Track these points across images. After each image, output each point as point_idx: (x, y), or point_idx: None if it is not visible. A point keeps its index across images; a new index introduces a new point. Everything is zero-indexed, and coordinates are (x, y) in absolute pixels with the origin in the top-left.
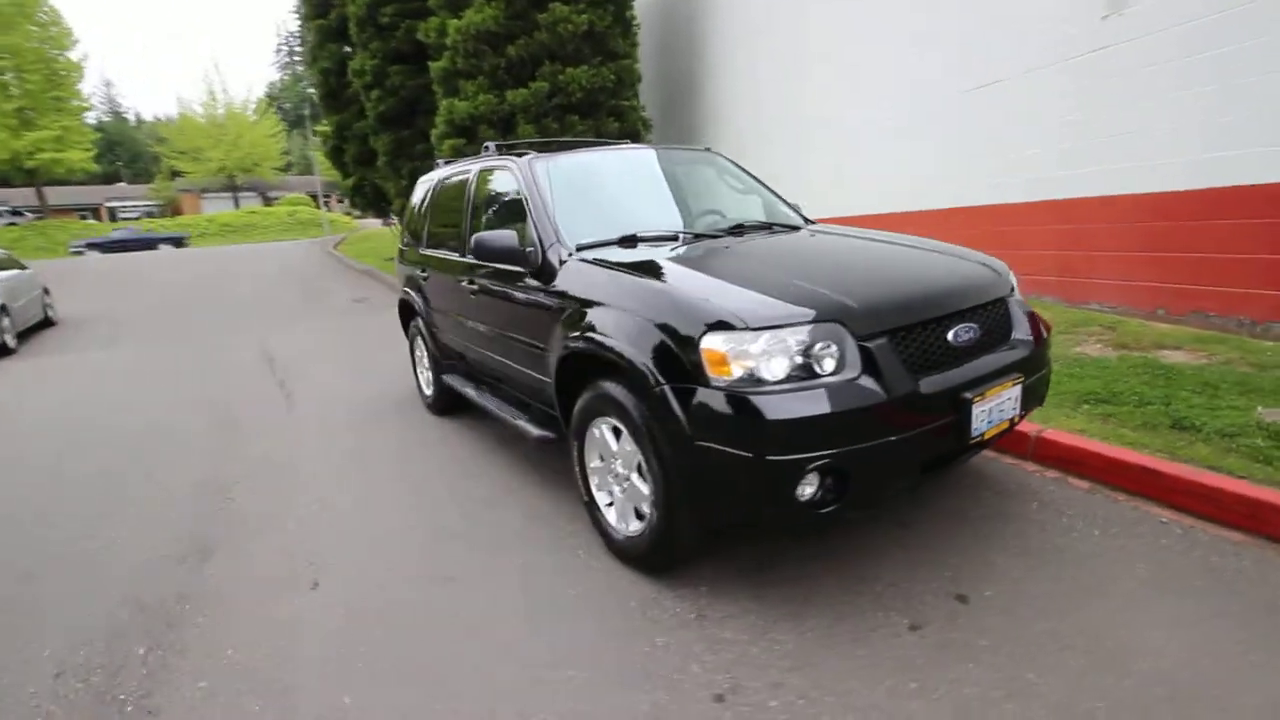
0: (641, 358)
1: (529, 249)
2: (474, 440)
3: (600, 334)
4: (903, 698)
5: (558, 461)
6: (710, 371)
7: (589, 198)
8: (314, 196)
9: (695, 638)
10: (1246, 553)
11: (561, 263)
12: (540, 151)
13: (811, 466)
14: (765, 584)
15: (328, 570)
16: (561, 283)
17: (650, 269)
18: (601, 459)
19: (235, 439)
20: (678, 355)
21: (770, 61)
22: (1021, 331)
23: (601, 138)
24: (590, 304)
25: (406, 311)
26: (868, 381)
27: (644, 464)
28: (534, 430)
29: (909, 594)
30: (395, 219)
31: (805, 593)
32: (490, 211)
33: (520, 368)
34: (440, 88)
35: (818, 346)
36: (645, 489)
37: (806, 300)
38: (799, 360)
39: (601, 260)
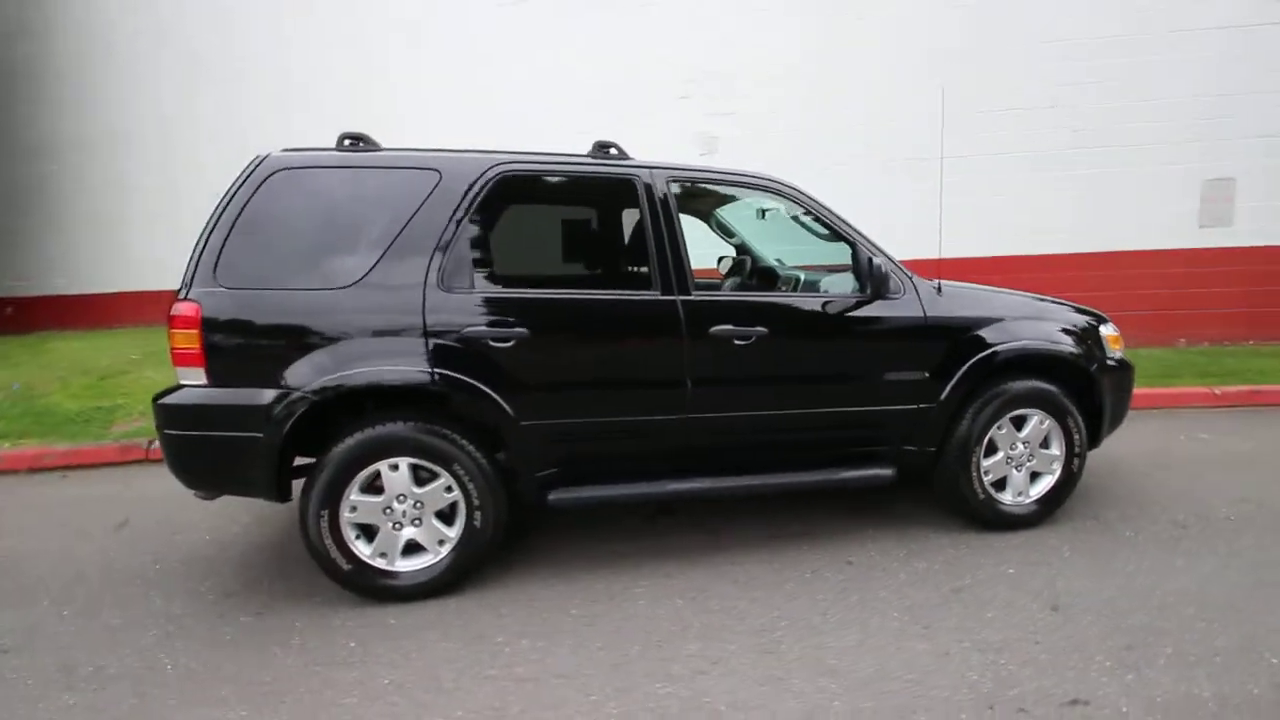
0: (1074, 352)
1: (892, 276)
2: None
3: (1034, 340)
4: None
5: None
6: (1110, 349)
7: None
8: None
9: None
10: None
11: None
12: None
13: None
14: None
15: None
16: (943, 306)
17: (984, 290)
18: (991, 452)
19: None
20: (1090, 344)
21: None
22: None
23: None
24: (990, 321)
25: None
26: None
27: (1062, 433)
28: (886, 471)
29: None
30: None
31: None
32: (729, 237)
33: (850, 407)
34: None
35: None
36: (1055, 449)
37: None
38: None
39: (965, 285)
